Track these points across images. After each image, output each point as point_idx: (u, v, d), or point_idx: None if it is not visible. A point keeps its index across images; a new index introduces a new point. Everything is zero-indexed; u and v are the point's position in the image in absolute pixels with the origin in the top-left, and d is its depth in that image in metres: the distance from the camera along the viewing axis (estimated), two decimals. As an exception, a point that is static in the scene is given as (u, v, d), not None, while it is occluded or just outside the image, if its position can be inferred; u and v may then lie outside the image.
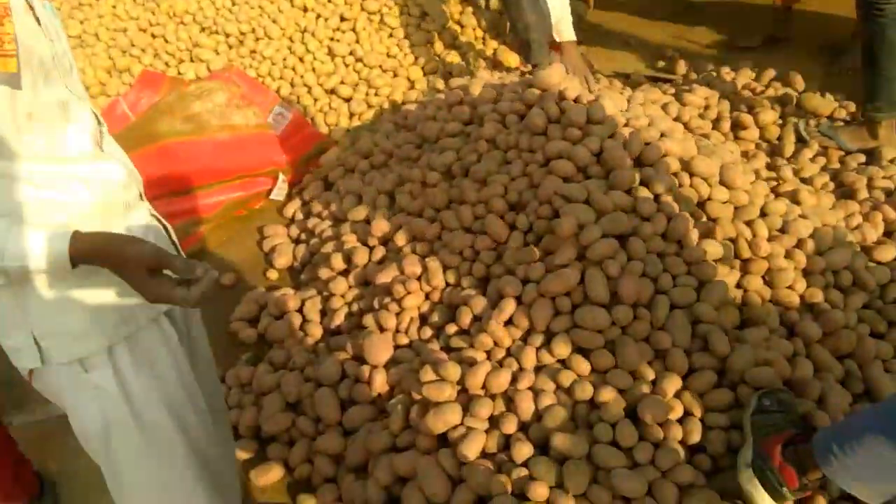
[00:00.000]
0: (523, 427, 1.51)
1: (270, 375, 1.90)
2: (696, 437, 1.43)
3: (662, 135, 1.90)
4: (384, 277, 1.90)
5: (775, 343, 1.57)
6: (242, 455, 1.77)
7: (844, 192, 2.12)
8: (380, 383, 1.72)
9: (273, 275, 2.36)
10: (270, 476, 1.72)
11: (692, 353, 1.56)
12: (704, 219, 1.76)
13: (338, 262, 2.09)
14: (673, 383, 1.49)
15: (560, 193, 1.75)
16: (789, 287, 1.69)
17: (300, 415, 1.80)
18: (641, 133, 1.86)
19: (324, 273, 2.11)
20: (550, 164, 1.85)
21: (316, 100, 3.10)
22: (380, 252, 2.05)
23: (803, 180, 2.15)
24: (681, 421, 1.46)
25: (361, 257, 2.04)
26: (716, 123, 2.48)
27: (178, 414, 1.16)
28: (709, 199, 1.79)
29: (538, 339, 1.61)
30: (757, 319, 1.62)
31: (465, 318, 1.71)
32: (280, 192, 2.67)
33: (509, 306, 1.64)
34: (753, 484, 1.30)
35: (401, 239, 2.01)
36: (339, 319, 1.98)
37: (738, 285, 1.69)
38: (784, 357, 1.53)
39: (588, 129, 1.91)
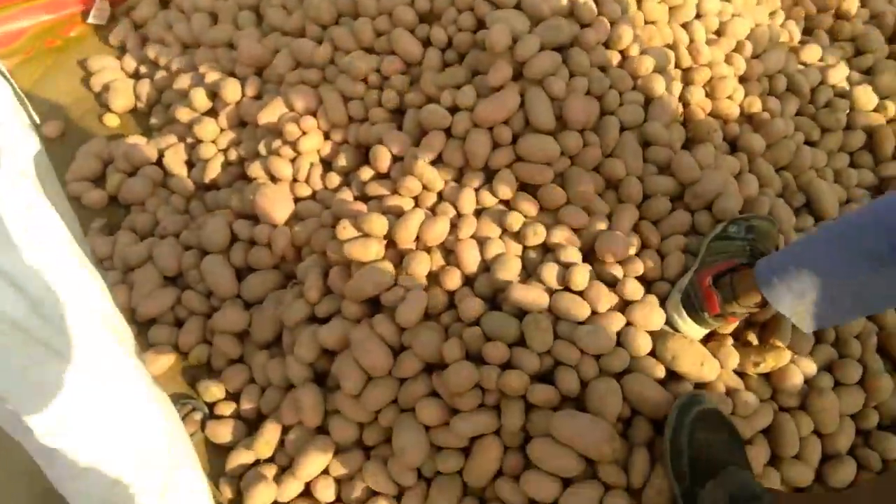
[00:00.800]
0: (468, 281, 1.31)
1: (137, 246, 1.55)
2: (656, 272, 1.30)
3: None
4: (269, 116, 1.53)
5: (722, 161, 1.44)
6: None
7: (761, -14, 1.96)
8: (283, 245, 1.43)
9: (112, 120, 1.88)
10: (160, 364, 1.42)
11: (643, 178, 1.39)
12: (643, 22, 1.53)
13: (200, 98, 1.67)
14: (630, 214, 1.33)
15: (484, -3, 1.44)
16: (729, 97, 1.55)
17: (185, 289, 1.49)
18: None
19: (183, 114, 1.68)
20: (466, -40, 1.50)
21: None
22: (254, 84, 1.65)
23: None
24: (638, 254, 1.33)
25: (232, 91, 1.63)
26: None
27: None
28: (644, -3, 1.55)
29: (476, 179, 1.36)
30: (702, 136, 1.47)
31: (383, 160, 1.41)
32: (101, 13, 2.09)
33: (437, 141, 1.37)
34: (678, 309, 1.23)
35: (281, 65, 1.61)
36: (213, 171, 1.61)
37: (679, 99, 1.52)
38: (732, 175, 1.42)
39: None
